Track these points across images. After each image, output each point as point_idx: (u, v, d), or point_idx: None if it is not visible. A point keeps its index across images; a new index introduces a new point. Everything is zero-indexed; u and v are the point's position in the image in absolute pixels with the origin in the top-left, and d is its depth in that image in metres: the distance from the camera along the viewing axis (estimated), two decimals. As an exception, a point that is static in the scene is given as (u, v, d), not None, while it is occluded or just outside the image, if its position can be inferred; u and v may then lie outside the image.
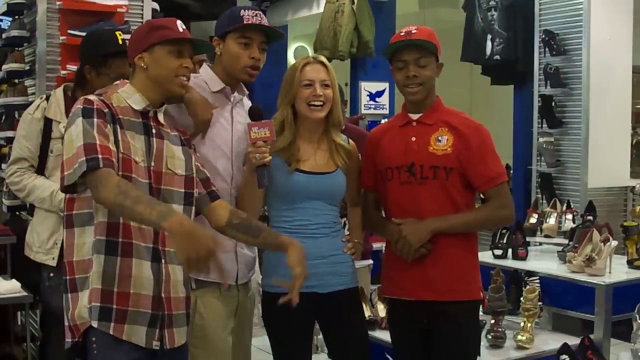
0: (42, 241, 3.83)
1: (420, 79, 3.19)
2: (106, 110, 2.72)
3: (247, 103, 3.36)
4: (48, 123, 3.86)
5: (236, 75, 3.19)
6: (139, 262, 2.72)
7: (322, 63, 3.24)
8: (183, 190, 2.88)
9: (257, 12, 3.19)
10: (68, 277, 2.77)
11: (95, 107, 2.71)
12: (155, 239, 2.77)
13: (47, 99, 3.94)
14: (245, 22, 3.14)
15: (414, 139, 3.24)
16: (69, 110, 3.71)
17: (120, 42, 3.80)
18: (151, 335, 2.75)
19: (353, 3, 7.86)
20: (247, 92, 3.36)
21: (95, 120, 2.67)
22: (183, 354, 2.92)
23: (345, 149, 3.28)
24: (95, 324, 2.67)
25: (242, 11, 3.16)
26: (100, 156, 2.60)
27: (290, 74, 3.25)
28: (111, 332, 2.67)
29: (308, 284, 3.15)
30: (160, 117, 2.91)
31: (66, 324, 2.77)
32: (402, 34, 3.22)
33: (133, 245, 2.71)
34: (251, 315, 3.48)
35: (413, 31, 3.19)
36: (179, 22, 2.87)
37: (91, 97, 2.77)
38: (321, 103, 3.18)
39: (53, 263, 3.79)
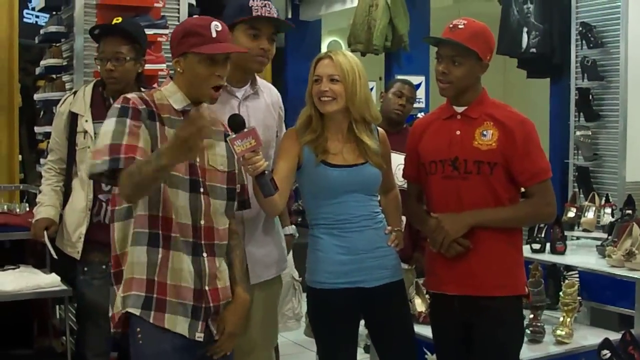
0: (68, 234, 3.88)
1: (450, 77, 3.17)
2: (142, 107, 2.75)
3: (269, 95, 3.39)
4: (74, 117, 3.91)
5: (247, 66, 3.18)
6: (177, 255, 2.76)
7: (331, 58, 3.19)
8: (225, 186, 2.91)
9: (266, 2, 3.16)
10: (113, 271, 2.83)
11: (131, 106, 2.74)
12: (195, 233, 2.80)
13: (75, 93, 4.00)
14: (254, 13, 3.12)
15: (458, 132, 3.21)
16: (96, 105, 3.78)
17: (112, 23, 3.90)
18: (194, 327, 2.79)
19: (387, -3, 7.85)
20: (258, 85, 3.32)
21: (128, 121, 2.71)
22: None
23: (372, 148, 3.24)
24: (137, 312, 2.73)
25: (251, 1, 3.13)
26: (122, 156, 2.66)
27: (310, 70, 3.26)
28: (151, 321, 2.73)
29: (354, 279, 3.19)
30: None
31: (110, 314, 2.85)
32: (450, 26, 3.18)
33: (172, 238, 2.76)
34: (271, 312, 3.45)
35: (460, 26, 3.15)
36: (214, 24, 2.82)
37: (130, 95, 2.80)
38: (329, 97, 3.16)
39: (77, 256, 3.85)
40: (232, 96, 3.22)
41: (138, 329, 2.75)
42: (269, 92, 3.42)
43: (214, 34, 2.80)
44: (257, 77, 3.35)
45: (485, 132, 3.17)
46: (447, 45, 3.18)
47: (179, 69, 2.84)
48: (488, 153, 3.15)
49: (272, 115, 3.37)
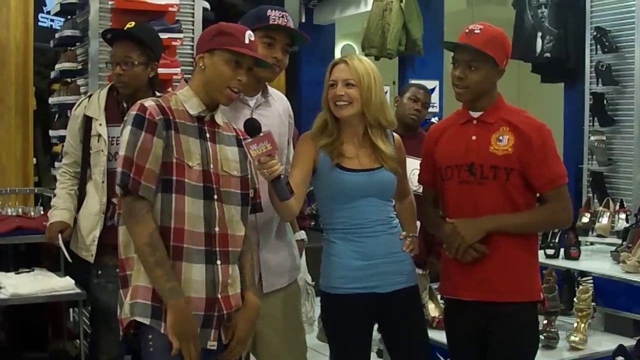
0: (82, 237, 3.89)
1: (467, 82, 3.17)
2: (159, 117, 2.75)
3: (280, 103, 3.40)
4: (88, 121, 3.93)
5: (259, 74, 3.18)
6: (188, 266, 2.75)
7: (346, 62, 3.20)
8: (239, 191, 2.91)
9: (283, 13, 3.20)
10: (120, 274, 2.85)
11: (147, 117, 2.74)
12: (208, 241, 2.80)
13: (90, 97, 4.02)
14: (271, 22, 3.14)
15: (474, 137, 3.21)
16: (110, 109, 3.80)
17: (125, 28, 3.92)
18: (206, 336, 2.79)
19: (401, 1, 7.89)
20: (269, 93, 3.34)
21: (142, 134, 2.72)
22: None
23: (387, 153, 3.23)
24: (147, 321, 2.73)
25: (269, 11, 3.16)
26: (132, 175, 2.69)
27: (325, 75, 3.27)
28: (162, 331, 2.72)
29: (368, 285, 3.18)
30: (218, 119, 2.92)
31: (119, 317, 2.86)
32: (466, 31, 3.18)
33: (184, 250, 2.75)
34: (293, 319, 3.43)
35: (476, 31, 3.15)
36: (248, 32, 2.87)
37: (147, 102, 2.79)
38: (344, 102, 3.17)
39: (92, 260, 3.87)
40: (244, 105, 3.23)
41: (150, 336, 2.74)
42: (280, 101, 3.43)
43: (246, 41, 2.85)
44: (268, 86, 3.36)
45: (501, 138, 3.17)
46: (463, 50, 3.18)
47: (201, 65, 2.85)
48: (504, 158, 3.14)
49: (283, 123, 3.39)
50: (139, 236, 2.70)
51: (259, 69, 3.11)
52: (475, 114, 3.24)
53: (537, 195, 3.24)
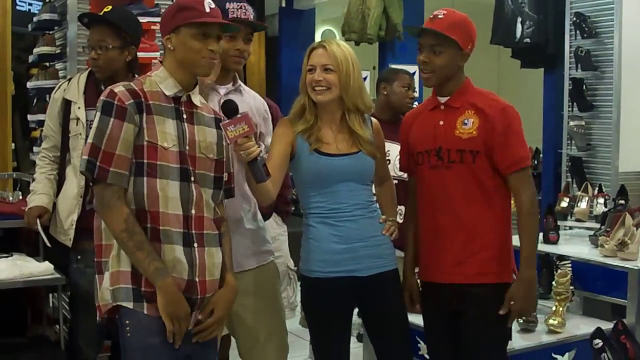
0: (61, 221, 3.89)
1: (432, 66, 3.20)
2: (129, 102, 2.72)
3: (252, 98, 3.43)
4: (67, 104, 3.92)
5: (226, 66, 3.23)
6: (169, 247, 2.74)
7: (325, 47, 3.20)
8: (213, 174, 2.90)
9: (242, 4, 3.24)
10: (96, 260, 2.84)
11: (116, 102, 2.71)
12: (186, 223, 2.78)
13: (70, 80, 4.01)
14: (230, 16, 3.18)
15: (441, 122, 3.25)
16: (89, 93, 3.79)
17: (102, 12, 3.90)
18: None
19: (381, -14, 7.83)
20: (240, 83, 3.38)
21: (111, 120, 2.69)
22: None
23: (364, 137, 3.24)
24: (130, 305, 2.72)
25: (228, 4, 3.20)
26: (98, 164, 2.68)
27: (303, 60, 3.26)
28: (145, 312, 2.71)
29: (348, 268, 3.19)
30: (195, 99, 2.90)
31: (96, 303, 2.85)
32: (431, 17, 3.23)
33: (161, 231, 2.74)
34: (267, 299, 3.45)
35: (440, 16, 3.20)
36: (207, 1, 2.83)
37: (117, 88, 2.77)
38: (323, 87, 3.17)
39: (70, 244, 3.86)
40: (215, 92, 3.25)
41: (127, 322, 2.74)
42: (252, 96, 3.46)
43: (207, 9, 2.81)
44: (242, 84, 3.40)
45: (466, 121, 3.21)
46: (427, 35, 3.21)
47: (170, 46, 2.82)
48: (469, 141, 3.17)
49: (254, 114, 3.37)
50: (114, 224, 2.70)
51: (223, 61, 3.17)
52: (443, 99, 3.28)
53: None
